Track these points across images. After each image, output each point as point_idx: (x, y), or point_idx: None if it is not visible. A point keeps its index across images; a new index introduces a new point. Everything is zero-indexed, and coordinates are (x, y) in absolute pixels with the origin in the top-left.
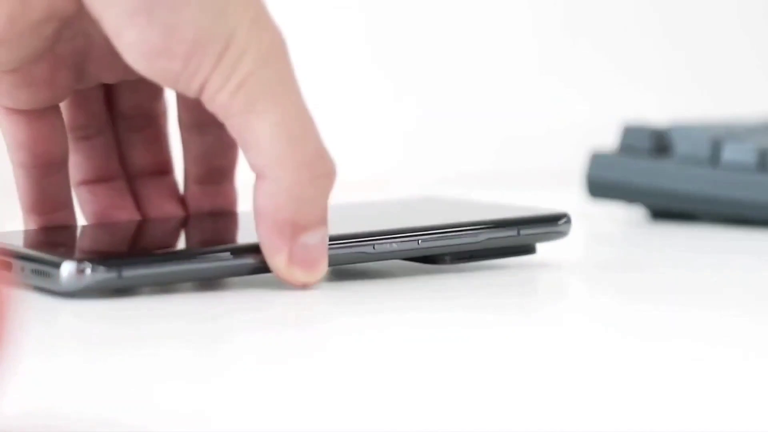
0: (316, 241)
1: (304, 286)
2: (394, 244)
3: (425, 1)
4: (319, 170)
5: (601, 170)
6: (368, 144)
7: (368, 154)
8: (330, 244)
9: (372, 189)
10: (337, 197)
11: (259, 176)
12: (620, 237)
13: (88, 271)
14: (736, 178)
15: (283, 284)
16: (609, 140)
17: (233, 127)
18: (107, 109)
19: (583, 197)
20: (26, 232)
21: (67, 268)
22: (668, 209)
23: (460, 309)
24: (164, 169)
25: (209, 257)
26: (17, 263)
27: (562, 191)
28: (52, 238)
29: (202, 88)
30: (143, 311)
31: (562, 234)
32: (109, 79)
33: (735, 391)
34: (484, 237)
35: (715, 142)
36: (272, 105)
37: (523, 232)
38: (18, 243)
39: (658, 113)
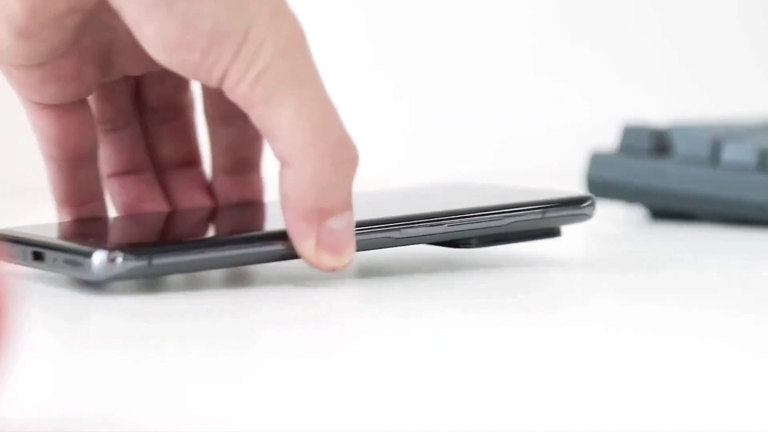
0: (342, 226)
1: (333, 270)
2: (420, 229)
3: (425, 1)
4: (342, 156)
5: (601, 170)
6: (368, 144)
7: (368, 154)
8: (356, 230)
9: (372, 187)
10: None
11: (284, 164)
12: (620, 237)
13: (120, 259)
14: (736, 178)
15: (305, 279)
16: (609, 140)
17: (255, 117)
18: (134, 101)
19: None
20: (59, 224)
21: (99, 257)
22: (668, 209)
23: (457, 309)
24: (192, 159)
25: (237, 244)
26: (50, 254)
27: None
28: (84, 229)
29: (222, 79)
30: (171, 307)
31: (586, 216)
32: (135, 71)
33: (735, 391)
34: (509, 220)
35: (715, 142)
36: (292, 95)
37: (548, 214)
38: (51, 235)
39: (658, 113)
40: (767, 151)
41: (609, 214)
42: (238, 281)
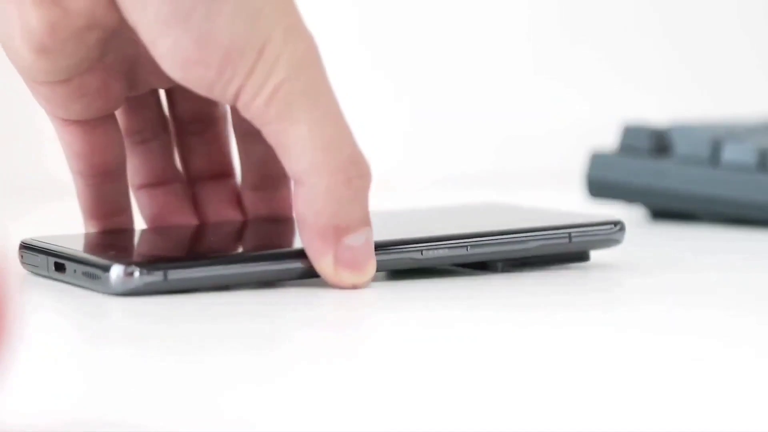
0: (360, 242)
1: (354, 288)
2: (443, 251)
3: (425, 2)
4: (353, 173)
5: (601, 170)
6: (369, 144)
7: (369, 154)
8: (379, 250)
9: (372, 190)
10: None
11: (297, 183)
12: None
13: (137, 274)
14: (736, 178)
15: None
16: (609, 140)
17: (269, 134)
18: (164, 113)
19: (583, 197)
20: (85, 235)
21: (116, 271)
22: (668, 209)
23: (464, 309)
24: (224, 172)
25: (256, 261)
26: (71, 266)
27: (562, 191)
28: (107, 241)
29: (237, 96)
30: (196, 308)
31: (615, 242)
32: (160, 85)
33: (735, 391)
34: (534, 244)
35: (715, 142)
36: (305, 113)
37: (575, 239)
38: (73, 246)
39: (658, 113)
40: (767, 151)
41: (609, 214)
42: (262, 284)
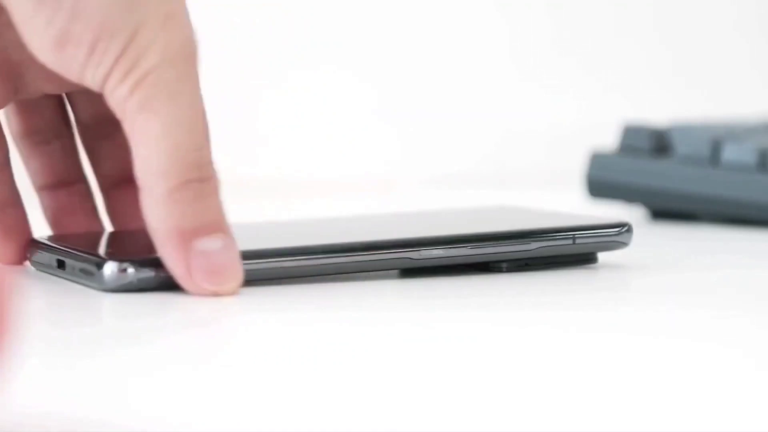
0: (216, 248)
1: (216, 296)
2: (439, 251)
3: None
4: (193, 176)
5: (601, 170)
6: (369, 144)
7: (368, 153)
8: (376, 252)
9: (371, 189)
10: (338, 196)
11: (140, 188)
12: None
13: (131, 270)
14: (736, 178)
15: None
16: (609, 140)
17: (127, 128)
18: (67, 115)
19: (583, 197)
20: (88, 234)
21: (110, 267)
22: (668, 209)
23: (456, 309)
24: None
25: (246, 259)
26: (70, 263)
27: (562, 191)
28: (108, 240)
29: (105, 80)
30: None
31: (622, 244)
32: (51, 90)
33: (734, 391)
34: (536, 245)
35: (715, 142)
36: (165, 108)
37: (579, 241)
38: (74, 244)
39: (658, 113)
40: (767, 151)
41: (609, 214)
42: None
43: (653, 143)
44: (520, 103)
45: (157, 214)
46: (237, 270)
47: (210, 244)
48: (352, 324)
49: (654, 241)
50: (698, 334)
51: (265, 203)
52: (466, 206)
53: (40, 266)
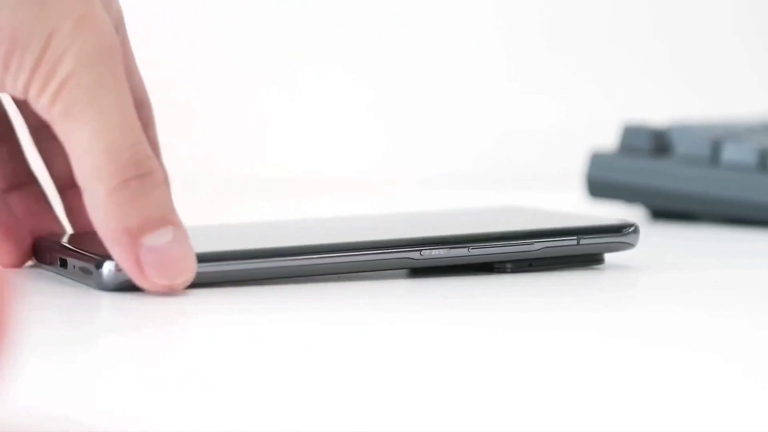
0: (164, 242)
1: (171, 291)
2: (441, 251)
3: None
4: (131, 173)
5: (601, 170)
6: (366, 143)
7: (366, 153)
8: (378, 251)
9: (369, 188)
10: (334, 196)
11: (82, 190)
12: None
13: None
14: (736, 178)
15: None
16: (609, 140)
17: (58, 135)
18: (9, 117)
19: (583, 197)
20: (90, 233)
21: (108, 266)
22: (668, 209)
23: (447, 310)
24: None
25: (236, 259)
26: (71, 262)
27: (562, 191)
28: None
29: (25, 91)
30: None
31: (628, 245)
32: None
33: (734, 391)
34: (539, 246)
35: (715, 142)
36: (90, 113)
37: (584, 242)
38: (78, 244)
39: (658, 113)
40: (767, 151)
41: (609, 214)
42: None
43: (653, 143)
44: (520, 103)
45: (101, 216)
46: (190, 261)
47: (158, 238)
48: (352, 324)
49: (654, 241)
50: (698, 334)
51: (264, 203)
52: (470, 206)
53: (45, 265)
